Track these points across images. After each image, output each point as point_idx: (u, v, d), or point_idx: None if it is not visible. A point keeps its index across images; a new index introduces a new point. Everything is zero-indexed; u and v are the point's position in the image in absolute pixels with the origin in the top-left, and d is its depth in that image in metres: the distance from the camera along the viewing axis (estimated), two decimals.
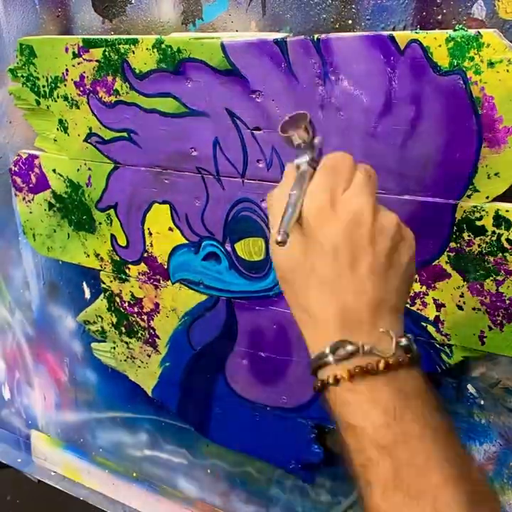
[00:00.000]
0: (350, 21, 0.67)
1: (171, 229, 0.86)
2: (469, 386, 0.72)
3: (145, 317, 0.95)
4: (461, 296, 0.66)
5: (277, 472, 0.94)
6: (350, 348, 0.42)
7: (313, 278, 0.45)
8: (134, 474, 1.15)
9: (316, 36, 0.65)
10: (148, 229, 0.88)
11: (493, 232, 0.62)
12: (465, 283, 0.66)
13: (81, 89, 0.86)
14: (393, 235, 0.45)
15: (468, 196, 0.63)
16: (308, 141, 0.52)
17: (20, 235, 1.11)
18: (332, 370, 0.43)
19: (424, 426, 0.41)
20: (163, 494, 1.12)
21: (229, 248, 0.81)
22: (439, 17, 0.62)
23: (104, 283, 0.98)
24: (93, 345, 1.06)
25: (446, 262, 0.66)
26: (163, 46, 0.75)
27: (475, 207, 0.63)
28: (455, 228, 0.64)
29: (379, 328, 0.43)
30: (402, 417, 0.41)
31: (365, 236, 0.44)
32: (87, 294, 1.05)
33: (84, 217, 0.94)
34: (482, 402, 0.72)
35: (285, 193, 0.47)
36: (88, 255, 0.97)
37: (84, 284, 1.05)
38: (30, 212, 1.01)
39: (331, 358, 0.43)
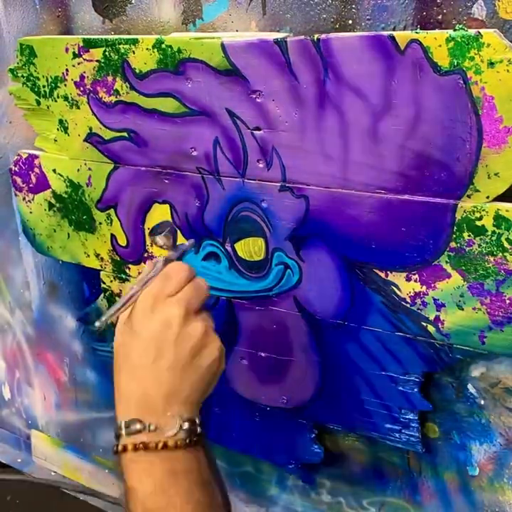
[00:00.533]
0: (350, 21, 0.67)
1: None
2: (469, 386, 0.72)
3: None
4: (461, 296, 0.66)
5: (277, 472, 0.94)
6: (139, 426, 0.54)
7: (126, 362, 0.57)
8: None
9: (316, 36, 0.65)
10: (149, 229, 0.88)
11: (493, 232, 0.62)
12: (465, 283, 0.66)
13: (81, 89, 0.86)
14: (196, 342, 0.57)
15: (469, 196, 0.63)
16: (169, 244, 0.67)
17: (20, 235, 1.11)
18: (123, 441, 0.54)
19: (187, 501, 0.53)
20: None
21: (229, 248, 0.81)
22: (439, 17, 0.62)
23: (104, 283, 0.98)
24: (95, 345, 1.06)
25: (446, 262, 0.66)
26: (163, 46, 0.75)
27: (475, 207, 0.63)
28: (455, 228, 0.64)
29: (168, 414, 0.54)
30: (168, 490, 0.52)
31: (170, 338, 0.56)
32: (87, 294, 1.05)
33: (84, 217, 0.95)
34: (482, 402, 0.72)
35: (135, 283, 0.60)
36: (88, 255, 0.97)
37: (84, 284, 1.05)
38: (31, 212, 1.01)
39: (123, 431, 0.54)
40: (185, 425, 0.55)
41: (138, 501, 0.53)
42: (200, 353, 0.57)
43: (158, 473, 0.53)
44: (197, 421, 0.56)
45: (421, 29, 0.63)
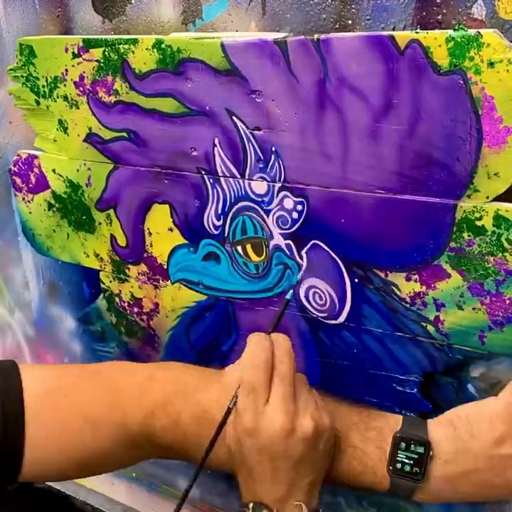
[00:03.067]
0: (350, 21, 0.67)
1: (170, 229, 0.86)
2: (469, 386, 0.72)
3: (145, 317, 0.95)
4: (461, 296, 0.66)
5: None
6: (265, 511, 0.58)
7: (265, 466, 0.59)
8: (134, 474, 1.15)
9: (316, 36, 0.65)
10: (148, 229, 0.88)
11: (493, 232, 0.62)
12: (465, 283, 0.66)
13: (81, 89, 0.86)
14: (310, 441, 0.58)
15: (469, 196, 0.63)
16: None
17: (20, 235, 1.11)
18: None
19: None
20: (163, 494, 1.11)
21: (229, 248, 0.81)
22: (439, 17, 0.62)
23: (103, 283, 0.98)
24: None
25: (446, 262, 0.66)
26: (163, 46, 0.75)
27: (475, 207, 0.63)
28: (455, 228, 0.64)
29: (293, 501, 0.59)
30: None
31: (282, 448, 0.57)
32: (87, 294, 1.05)
33: (83, 217, 0.94)
34: None
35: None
36: (88, 255, 0.97)
37: (83, 284, 1.05)
38: (30, 213, 1.01)
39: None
40: (305, 510, 0.60)
41: None
42: (317, 445, 0.60)
43: None
44: (317, 507, 0.63)
45: (421, 29, 0.63)
